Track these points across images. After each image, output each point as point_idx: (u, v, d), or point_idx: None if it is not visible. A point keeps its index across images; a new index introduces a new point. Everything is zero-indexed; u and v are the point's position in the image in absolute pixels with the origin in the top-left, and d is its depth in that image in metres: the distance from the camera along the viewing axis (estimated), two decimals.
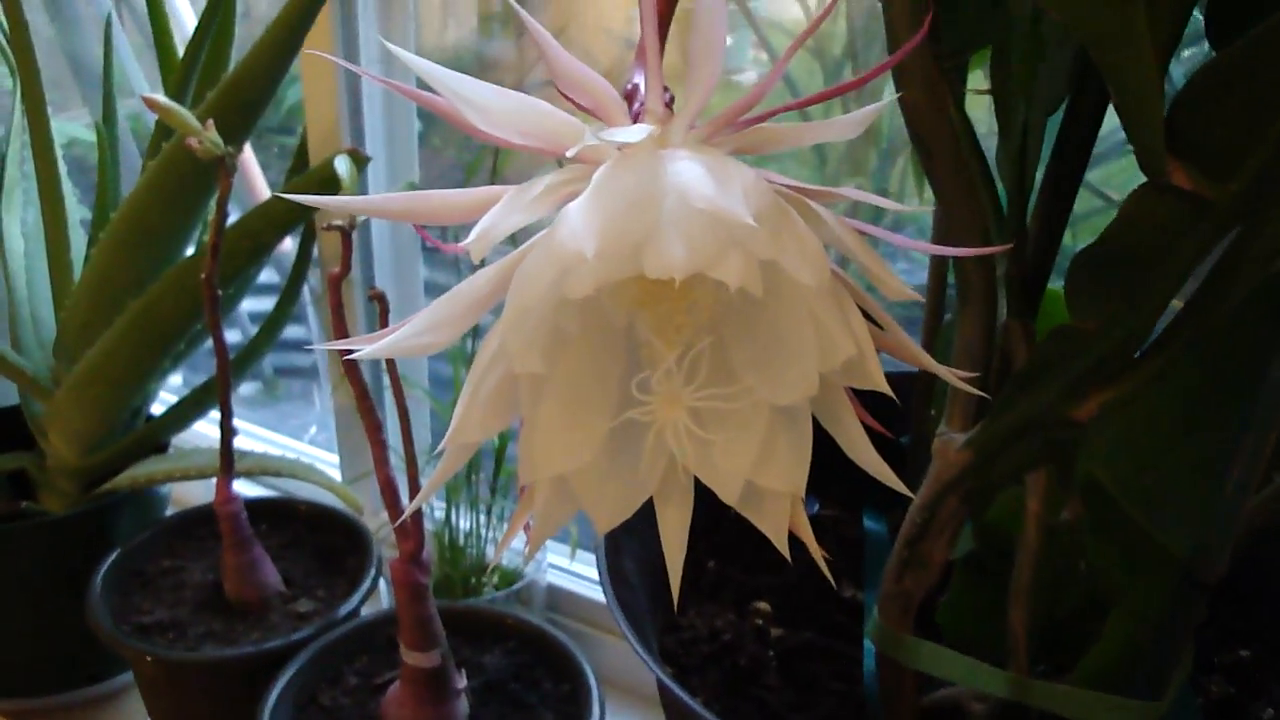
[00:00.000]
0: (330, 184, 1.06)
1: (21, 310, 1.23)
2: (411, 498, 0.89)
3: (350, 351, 0.40)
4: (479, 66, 1.42)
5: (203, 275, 0.93)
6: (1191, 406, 0.50)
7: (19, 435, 1.25)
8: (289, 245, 1.46)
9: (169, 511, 1.27)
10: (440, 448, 0.43)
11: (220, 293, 0.99)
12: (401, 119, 1.22)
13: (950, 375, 0.40)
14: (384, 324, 0.80)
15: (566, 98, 0.42)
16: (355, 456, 1.35)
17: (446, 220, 0.41)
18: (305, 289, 2.16)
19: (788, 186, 0.41)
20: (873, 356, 0.39)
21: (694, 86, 0.41)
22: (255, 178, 1.53)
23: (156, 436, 1.26)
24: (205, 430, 1.39)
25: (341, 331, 0.80)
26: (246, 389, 2.49)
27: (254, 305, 1.78)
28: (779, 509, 0.44)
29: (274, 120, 2.06)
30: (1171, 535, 0.52)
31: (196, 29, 1.15)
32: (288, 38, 1.02)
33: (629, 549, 0.77)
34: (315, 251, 1.28)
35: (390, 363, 0.85)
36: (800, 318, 0.41)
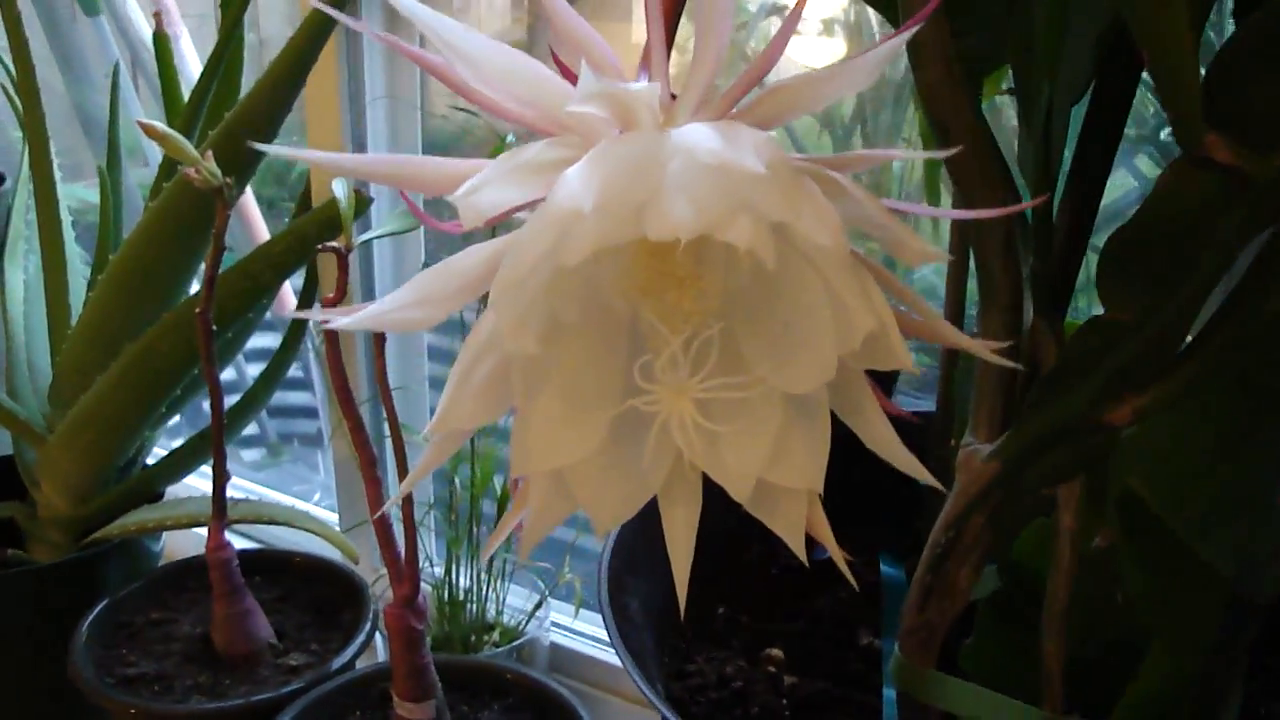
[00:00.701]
0: (333, 225, 1.05)
1: (18, 356, 1.21)
2: (408, 545, 0.85)
3: (336, 349, 0.37)
4: None
5: (197, 310, 0.91)
6: (1239, 411, 0.47)
7: (11, 485, 1.22)
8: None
9: (161, 564, 1.23)
10: (426, 431, 0.39)
11: (218, 335, 0.97)
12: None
13: (982, 349, 0.37)
14: (379, 352, 0.77)
15: (561, 66, 0.40)
16: (354, 507, 1.32)
17: (435, 188, 0.38)
18: (310, 348, 2.14)
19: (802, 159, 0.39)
20: (895, 331, 0.36)
21: (700, 60, 0.39)
22: (256, 223, 1.51)
23: (151, 486, 1.22)
24: (202, 484, 1.36)
25: (336, 361, 0.77)
26: (250, 454, 2.46)
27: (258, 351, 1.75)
28: (794, 509, 0.41)
29: (286, 190, 2.07)
30: (1217, 551, 0.48)
31: (203, 73, 1.15)
32: (290, 74, 1.01)
33: (634, 587, 0.74)
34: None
35: (388, 404, 0.82)
36: (815, 296, 0.38)
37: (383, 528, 0.82)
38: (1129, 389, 0.46)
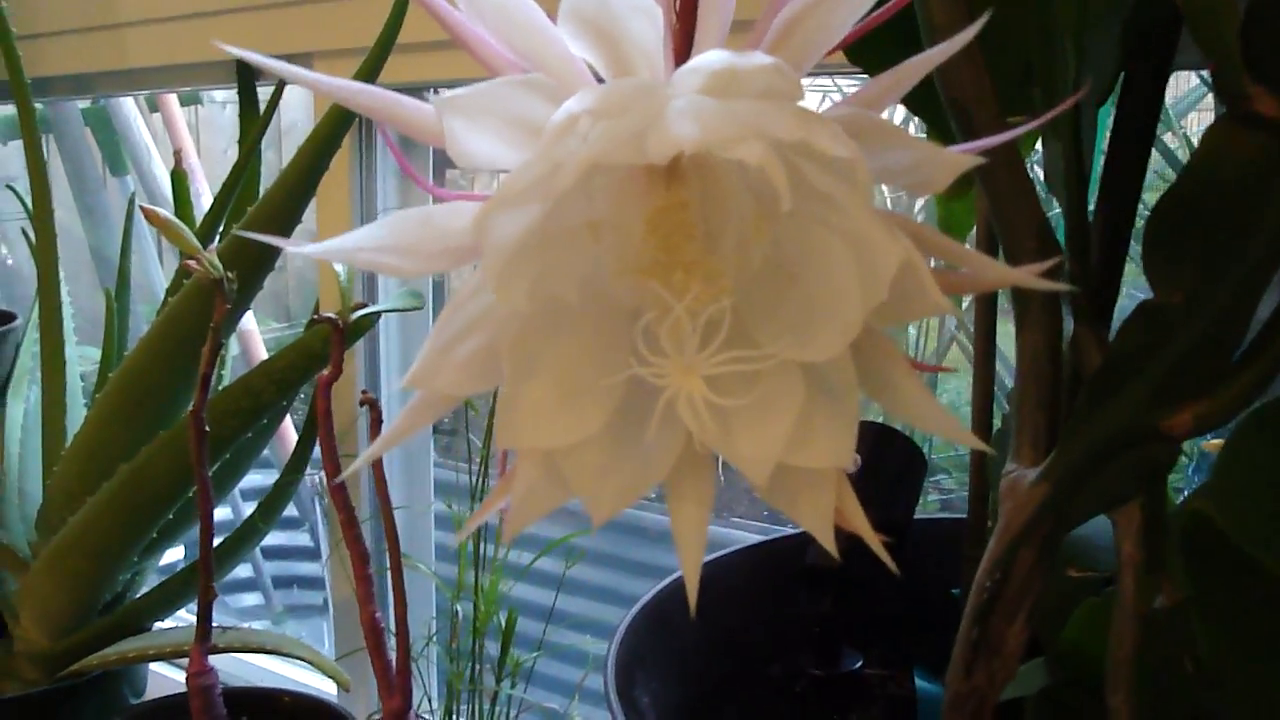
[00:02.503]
0: (351, 335, 1.02)
1: (10, 481, 1.17)
2: (399, 655, 0.79)
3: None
4: None
5: (189, 410, 0.87)
6: None
7: None
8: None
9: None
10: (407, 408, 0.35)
11: (214, 457, 0.93)
12: (418, 280, 1.19)
13: (1029, 276, 0.33)
14: (375, 434, 0.73)
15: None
16: (350, 634, 1.24)
17: (418, 130, 0.35)
18: (317, 508, 2.08)
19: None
20: (924, 265, 0.32)
21: (706, 17, 0.37)
22: (256, 345, 1.50)
23: (138, 621, 1.16)
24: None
25: (329, 444, 0.73)
26: (252, 622, 2.38)
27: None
28: (820, 495, 0.36)
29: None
30: None
31: (220, 190, 1.16)
32: (302, 182, 1.01)
33: (644, 681, 0.67)
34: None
35: (388, 516, 0.78)
36: (834, 247, 0.35)
37: (373, 632, 0.76)
38: (1188, 390, 0.41)
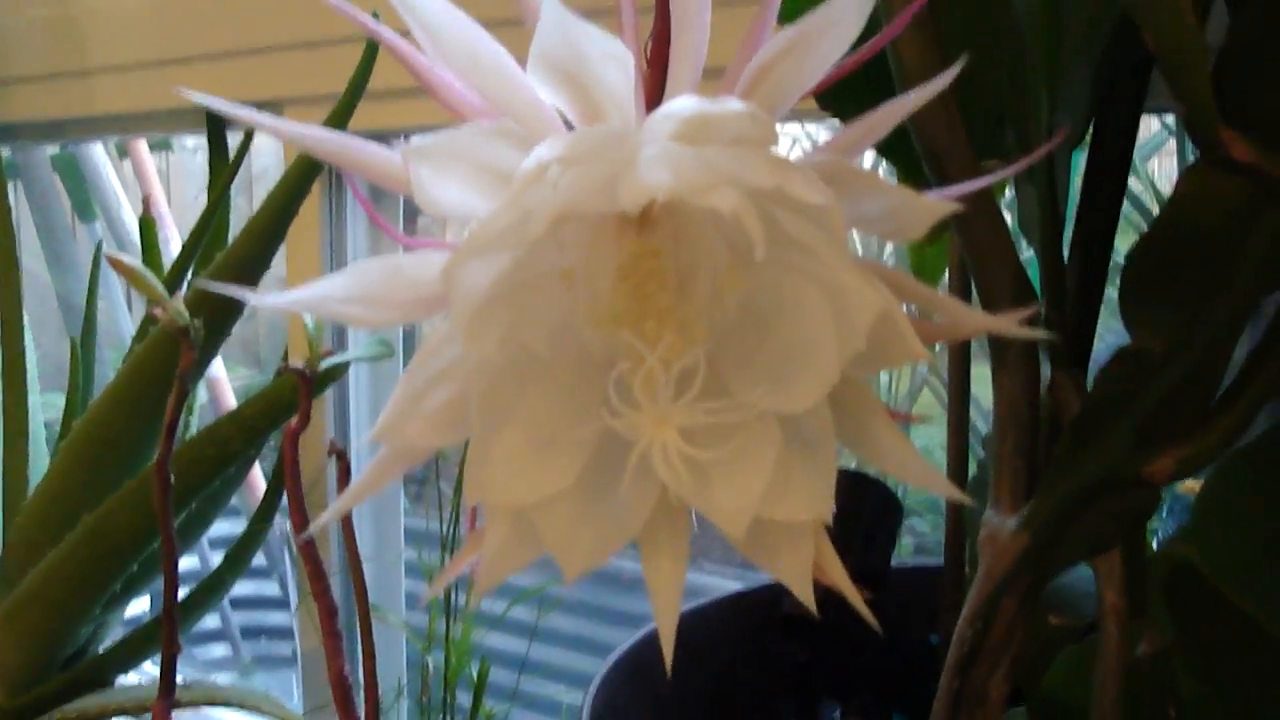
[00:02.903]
0: (320, 384, 1.01)
1: None
2: (367, 708, 0.77)
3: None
4: None
5: (154, 460, 0.85)
6: None
7: None
8: None
9: None
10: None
11: (180, 509, 0.91)
12: (388, 329, 1.18)
13: (1008, 323, 0.32)
14: (343, 486, 0.71)
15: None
16: (318, 689, 1.21)
17: (386, 178, 0.35)
18: (287, 557, 2.05)
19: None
20: (902, 313, 0.32)
21: (678, 58, 0.36)
22: (225, 393, 1.48)
23: (100, 675, 1.12)
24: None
25: (296, 495, 0.71)
26: (219, 674, 2.33)
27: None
28: (798, 548, 0.35)
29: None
30: None
31: (189, 236, 1.14)
32: (271, 227, 1.00)
33: None
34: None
35: (356, 571, 0.76)
36: (810, 297, 0.34)
37: (340, 688, 0.74)
38: (1168, 435, 0.41)
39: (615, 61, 0.32)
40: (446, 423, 0.35)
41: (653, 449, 0.34)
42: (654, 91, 0.38)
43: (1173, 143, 1.71)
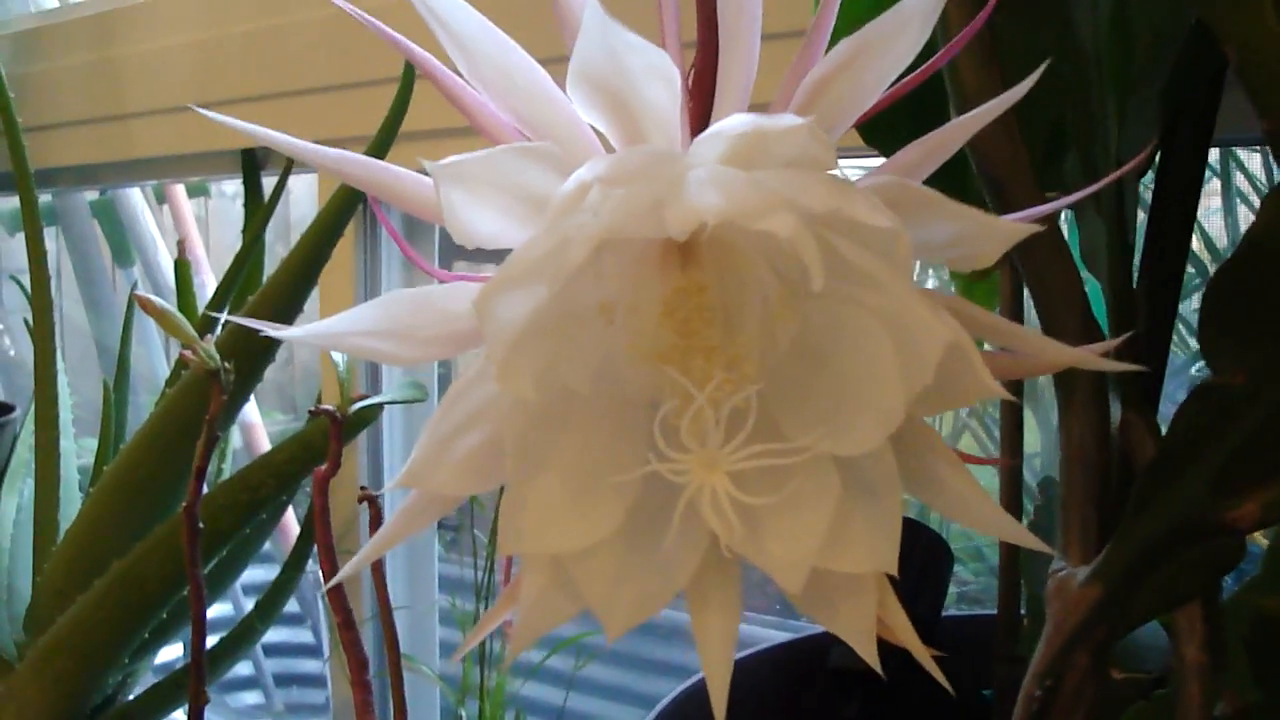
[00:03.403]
0: (353, 427, 0.99)
1: None
2: None
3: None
4: None
5: (184, 504, 0.84)
6: None
7: None
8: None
9: None
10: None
11: (212, 555, 0.89)
12: (422, 368, 1.16)
13: (1091, 356, 0.29)
14: (374, 532, 0.69)
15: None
16: None
17: (417, 206, 0.33)
18: (320, 605, 2.03)
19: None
20: (972, 345, 0.29)
21: (728, 75, 0.34)
22: (259, 438, 1.46)
23: None
24: None
25: (325, 542, 0.69)
26: None
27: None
28: (860, 603, 0.32)
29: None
30: None
31: (223, 278, 1.14)
32: (305, 268, 0.99)
33: None
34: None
35: (388, 621, 0.74)
36: (872, 330, 0.32)
37: None
38: (1253, 478, 0.38)
39: (661, 79, 0.30)
40: (478, 469, 0.32)
41: (701, 495, 0.32)
42: (698, 121, 0.36)
43: (1217, 182, 1.68)
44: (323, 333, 0.29)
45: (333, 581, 0.32)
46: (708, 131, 0.30)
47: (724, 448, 0.32)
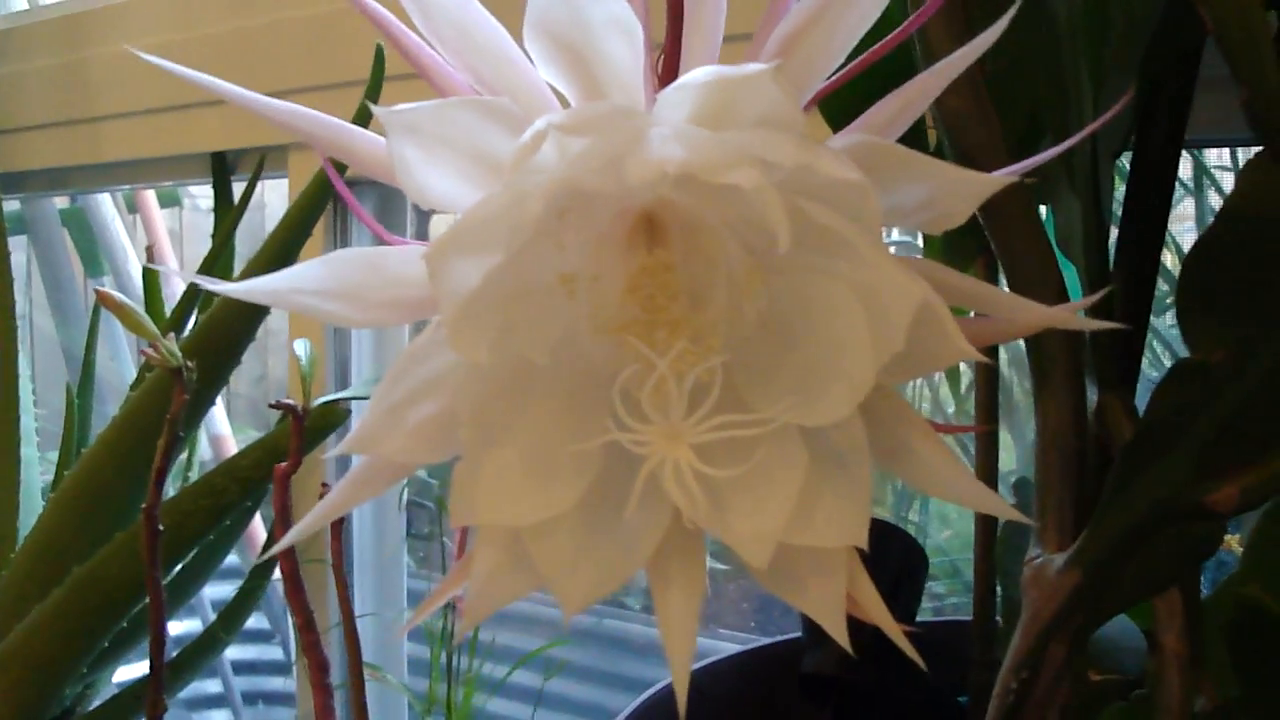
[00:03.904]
0: (320, 431, 0.97)
1: None
2: None
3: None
4: None
5: (143, 506, 0.82)
6: None
7: None
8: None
9: None
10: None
11: (175, 561, 0.87)
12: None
13: (1066, 315, 0.28)
14: (335, 533, 0.68)
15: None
16: None
17: (369, 163, 0.31)
18: (289, 621, 2.00)
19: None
20: (944, 305, 0.28)
21: (693, 38, 0.33)
22: (230, 451, 1.44)
23: None
24: None
25: (283, 506, 0.67)
26: None
27: None
28: (830, 578, 0.31)
29: None
30: None
31: (184, 292, 1.12)
32: (269, 269, 0.97)
33: None
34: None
35: (348, 618, 0.72)
36: (840, 295, 0.30)
37: None
38: (1232, 461, 0.37)
39: (622, 33, 0.29)
40: (431, 437, 0.31)
41: (663, 467, 0.31)
42: (666, 80, 0.35)
43: (1189, 203, 1.68)
44: (264, 288, 0.28)
45: (276, 548, 0.31)
46: (673, 85, 0.29)
47: (687, 419, 0.31)
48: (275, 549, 0.31)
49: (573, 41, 0.29)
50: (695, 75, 0.28)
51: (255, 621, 1.89)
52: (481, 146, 0.30)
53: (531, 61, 0.31)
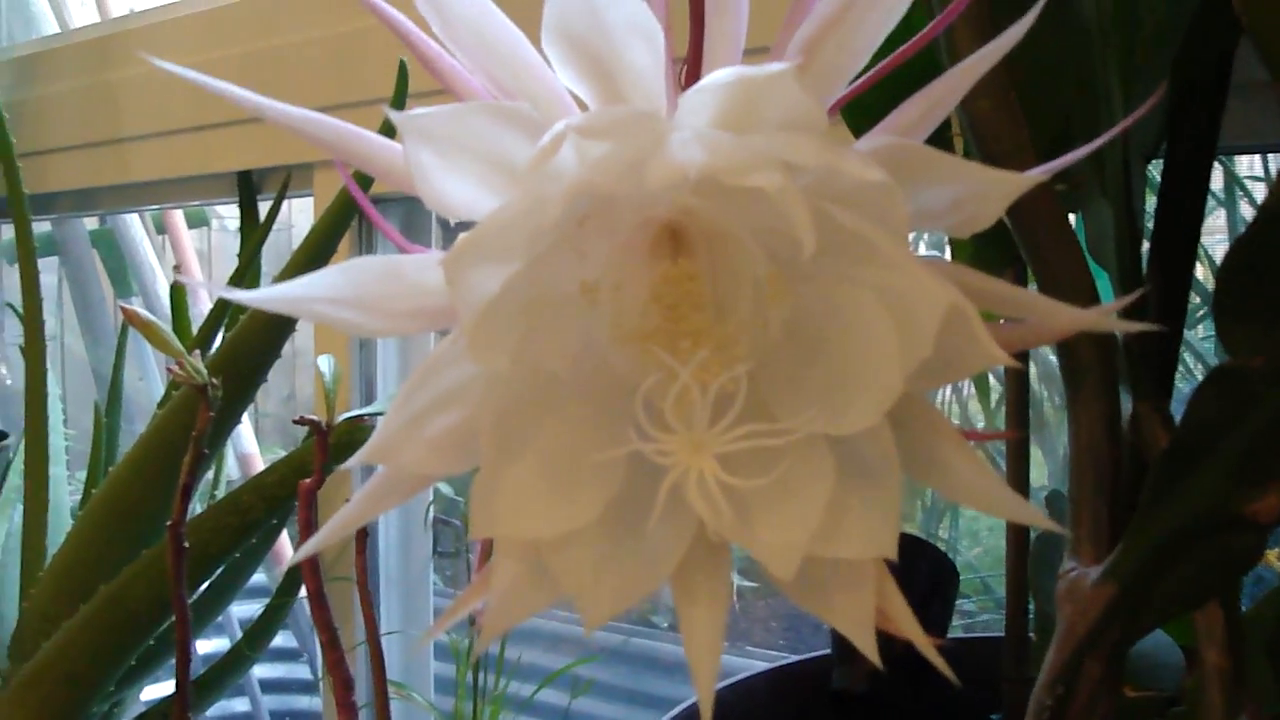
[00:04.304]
0: (345, 448, 0.97)
1: None
2: None
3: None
4: None
5: (169, 523, 0.82)
6: None
7: None
8: None
9: None
10: None
11: (199, 579, 0.87)
12: None
13: (1103, 319, 0.28)
14: (360, 547, 0.67)
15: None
16: None
17: (386, 171, 0.31)
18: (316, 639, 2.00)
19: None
20: (974, 310, 0.27)
21: (714, 47, 0.33)
22: (257, 470, 1.44)
23: None
24: None
25: (311, 558, 0.67)
26: None
27: None
28: (857, 592, 0.30)
29: None
30: None
31: (211, 310, 1.13)
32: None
33: None
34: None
35: (373, 636, 0.72)
36: (867, 301, 0.30)
37: None
38: (1272, 468, 0.36)
39: (643, 38, 0.28)
40: (451, 448, 0.31)
41: (687, 478, 0.30)
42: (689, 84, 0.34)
43: (1221, 216, 1.66)
44: (280, 296, 0.27)
45: (294, 559, 0.30)
46: (694, 87, 0.28)
47: (711, 429, 0.30)
48: (293, 559, 0.31)
49: (591, 45, 0.28)
50: (716, 76, 0.27)
51: (283, 640, 1.89)
52: (500, 152, 0.29)
53: (551, 67, 0.30)
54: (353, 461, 0.28)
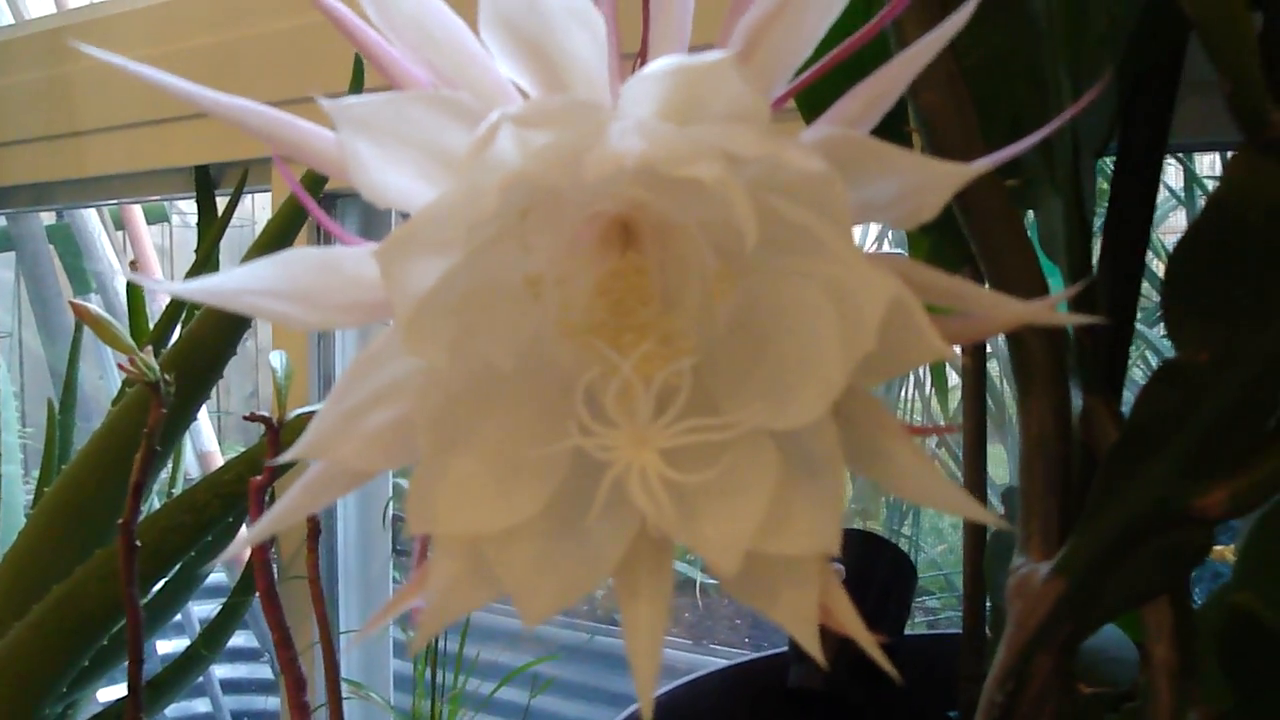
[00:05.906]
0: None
1: None
2: None
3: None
4: None
5: (119, 521, 0.80)
6: None
7: None
8: None
9: None
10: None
11: (154, 578, 0.86)
12: None
13: (1047, 311, 0.27)
14: (311, 546, 0.66)
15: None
16: None
17: (321, 161, 0.30)
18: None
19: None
20: (917, 302, 0.27)
21: (658, 37, 0.32)
22: (214, 458, 1.43)
23: None
24: None
25: (263, 557, 0.66)
26: None
27: None
28: (802, 588, 0.30)
29: None
30: None
31: (167, 306, 1.11)
32: None
33: None
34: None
35: (324, 631, 0.71)
36: (812, 295, 0.29)
37: None
38: (1221, 464, 0.36)
39: (584, 26, 0.28)
40: (391, 442, 0.30)
41: (629, 473, 0.29)
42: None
43: (1181, 215, 1.68)
44: (212, 288, 0.27)
45: (228, 552, 0.30)
46: (635, 76, 0.28)
47: (654, 423, 0.30)
48: (229, 552, 0.30)
49: (530, 33, 0.28)
50: (657, 65, 0.27)
51: (244, 640, 1.87)
52: (439, 143, 0.29)
53: (493, 58, 0.30)
54: (286, 456, 0.28)
